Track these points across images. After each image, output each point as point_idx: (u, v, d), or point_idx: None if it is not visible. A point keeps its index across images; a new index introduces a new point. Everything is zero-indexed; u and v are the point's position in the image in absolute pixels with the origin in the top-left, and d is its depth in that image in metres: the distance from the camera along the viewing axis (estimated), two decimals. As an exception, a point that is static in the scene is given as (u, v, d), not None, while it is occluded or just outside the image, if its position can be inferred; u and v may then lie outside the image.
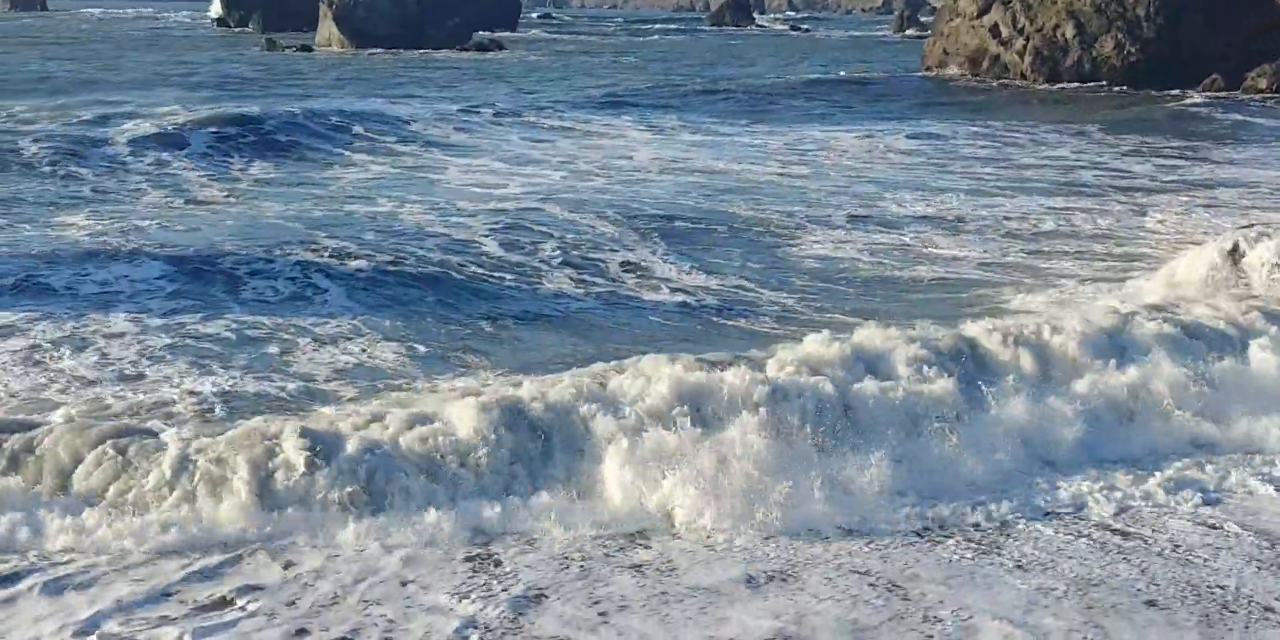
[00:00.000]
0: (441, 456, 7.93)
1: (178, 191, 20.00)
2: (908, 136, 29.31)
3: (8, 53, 50.30)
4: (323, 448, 7.78)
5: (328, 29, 62.48)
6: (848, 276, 14.92)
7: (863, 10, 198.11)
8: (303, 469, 7.61)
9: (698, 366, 9.17)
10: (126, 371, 10.26)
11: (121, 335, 11.31)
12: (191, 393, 9.73)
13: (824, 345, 9.73)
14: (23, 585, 6.68)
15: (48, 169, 21.27)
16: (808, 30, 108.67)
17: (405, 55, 56.89)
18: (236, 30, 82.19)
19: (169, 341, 11.14)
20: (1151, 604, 6.79)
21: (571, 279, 14.34)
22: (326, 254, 14.58)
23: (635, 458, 7.96)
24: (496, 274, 14.36)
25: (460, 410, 8.32)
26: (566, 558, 7.20)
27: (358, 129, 27.18)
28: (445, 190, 20.67)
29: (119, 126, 25.23)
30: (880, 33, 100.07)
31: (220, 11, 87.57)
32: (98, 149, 23.07)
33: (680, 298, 13.66)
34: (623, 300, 13.55)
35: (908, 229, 17.90)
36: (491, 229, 16.58)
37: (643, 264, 15.12)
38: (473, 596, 6.72)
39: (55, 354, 10.67)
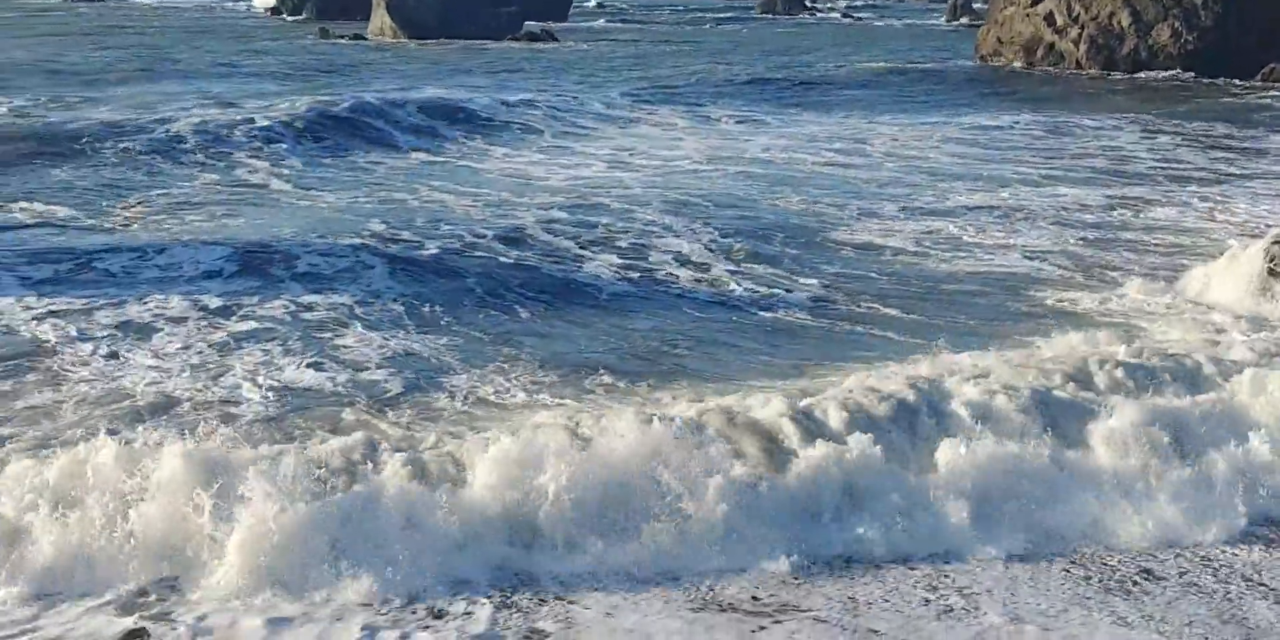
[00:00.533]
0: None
1: (303, 184, 20.11)
2: (961, 126, 29.17)
3: (70, 43, 50.82)
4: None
5: (380, 18, 62.76)
6: (891, 267, 14.90)
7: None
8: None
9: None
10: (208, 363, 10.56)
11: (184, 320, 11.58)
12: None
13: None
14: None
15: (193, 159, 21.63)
16: (860, 18, 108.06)
17: (457, 45, 57.07)
18: (290, 19, 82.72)
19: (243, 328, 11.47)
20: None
21: (619, 269, 14.44)
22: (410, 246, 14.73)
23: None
24: (553, 264, 14.49)
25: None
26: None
27: (433, 121, 27.18)
28: (515, 182, 20.69)
29: (233, 116, 25.56)
30: (933, 21, 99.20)
31: (274, 1, 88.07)
32: (219, 138, 23.45)
33: (720, 288, 13.72)
34: (667, 291, 13.62)
35: (959, 218, 17.86)
36: (567, 222, 16.68)
37: (692, 257, 15.18)
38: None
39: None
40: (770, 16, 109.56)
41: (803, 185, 20.60)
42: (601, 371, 10.32)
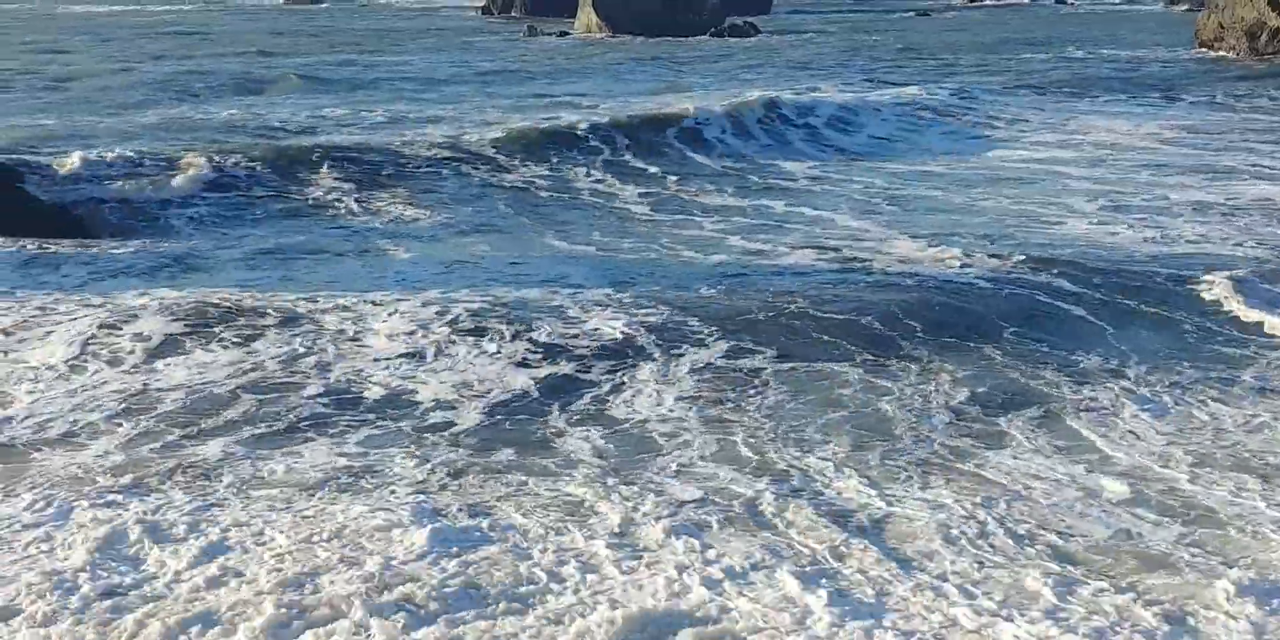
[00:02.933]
0: None
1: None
2: (1182, 115, 28.28)
3: (302, 46, 52.37)
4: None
5: (587, 15, 63.84)
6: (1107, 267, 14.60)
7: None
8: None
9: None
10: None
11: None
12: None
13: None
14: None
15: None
16: (1073, 4, 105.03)
17: (666, 40, 57.39)
18: (500, 17, 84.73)
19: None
20: None
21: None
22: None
23: None
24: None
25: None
26: None
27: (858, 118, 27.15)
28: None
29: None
30: (1149, 7, 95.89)
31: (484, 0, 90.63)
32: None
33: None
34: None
35: (1179, 218, 17.40)
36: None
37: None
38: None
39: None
40: (974, 3, 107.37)
41: (1009, 182, 20.39)
42: None
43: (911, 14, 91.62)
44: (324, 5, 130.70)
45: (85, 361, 10.67)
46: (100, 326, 11.52)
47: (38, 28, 70.83)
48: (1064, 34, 59.86)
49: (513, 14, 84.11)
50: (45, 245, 15.11)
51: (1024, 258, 14.52)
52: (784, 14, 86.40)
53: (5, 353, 10.86)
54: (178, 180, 18.20)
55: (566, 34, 62.04)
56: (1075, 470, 8.46)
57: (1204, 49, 46.08)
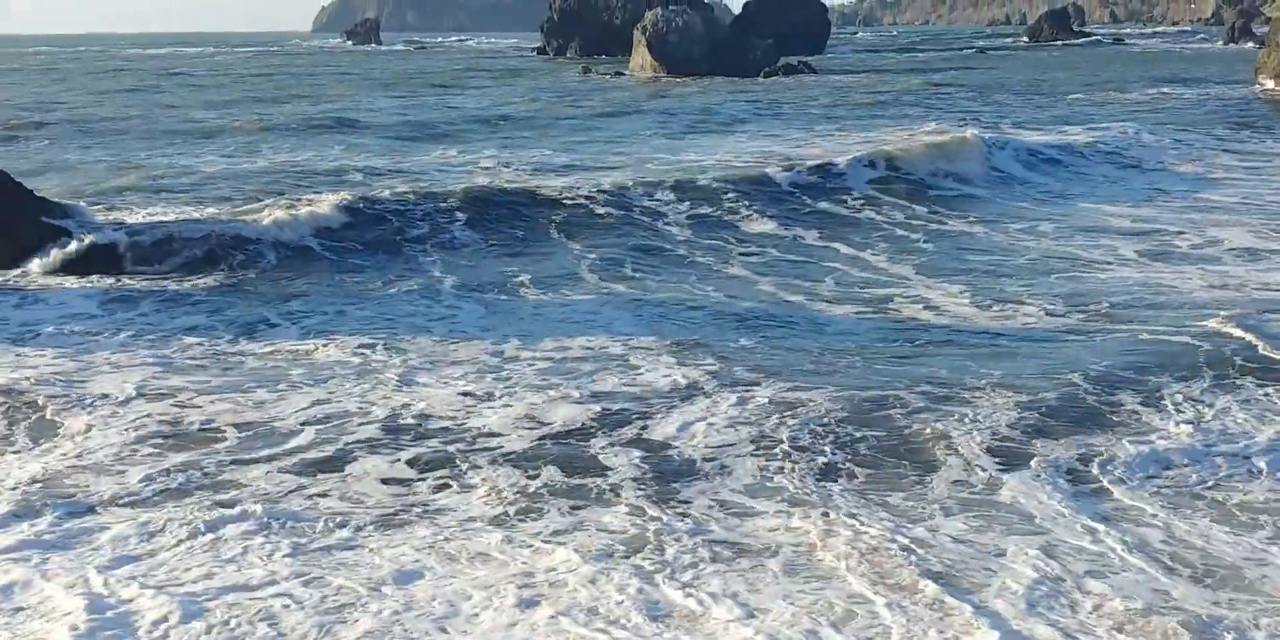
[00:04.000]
0: None
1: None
2: (1235, 156, 27.72)
3: (379, 89, 52.74)
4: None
5: (641, 55, 64.11)
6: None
7: (1190, 21, 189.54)
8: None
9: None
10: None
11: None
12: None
13: None
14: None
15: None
16: (1129, 43, 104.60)
17: (721, 79, 57.41)
18: (554, 58, 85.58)
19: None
20: None
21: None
22: None
23: None
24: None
25: None
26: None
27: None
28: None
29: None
30: (1207, 45, 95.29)
31: (541, 41, 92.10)
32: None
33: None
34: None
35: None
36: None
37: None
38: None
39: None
40: (1035, 42, 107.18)
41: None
42: None
43: (972, 51, 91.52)
44: (381, 48, 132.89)
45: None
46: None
47: (104, 69, 72.22)
48: (1148, 72, 59.26)
49: (568, 55, 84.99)
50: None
51: None
52: (834, 55, 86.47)
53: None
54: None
55: (621, 74, 62.37)
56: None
57: (1262, 84, 45.48)
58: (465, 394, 9.94)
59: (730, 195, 19.62)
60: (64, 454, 8.60)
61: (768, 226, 18.25)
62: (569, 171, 23.04)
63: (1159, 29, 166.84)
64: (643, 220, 18.29)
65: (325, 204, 17.14)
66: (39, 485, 7.98)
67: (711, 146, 27.73)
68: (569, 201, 18.87)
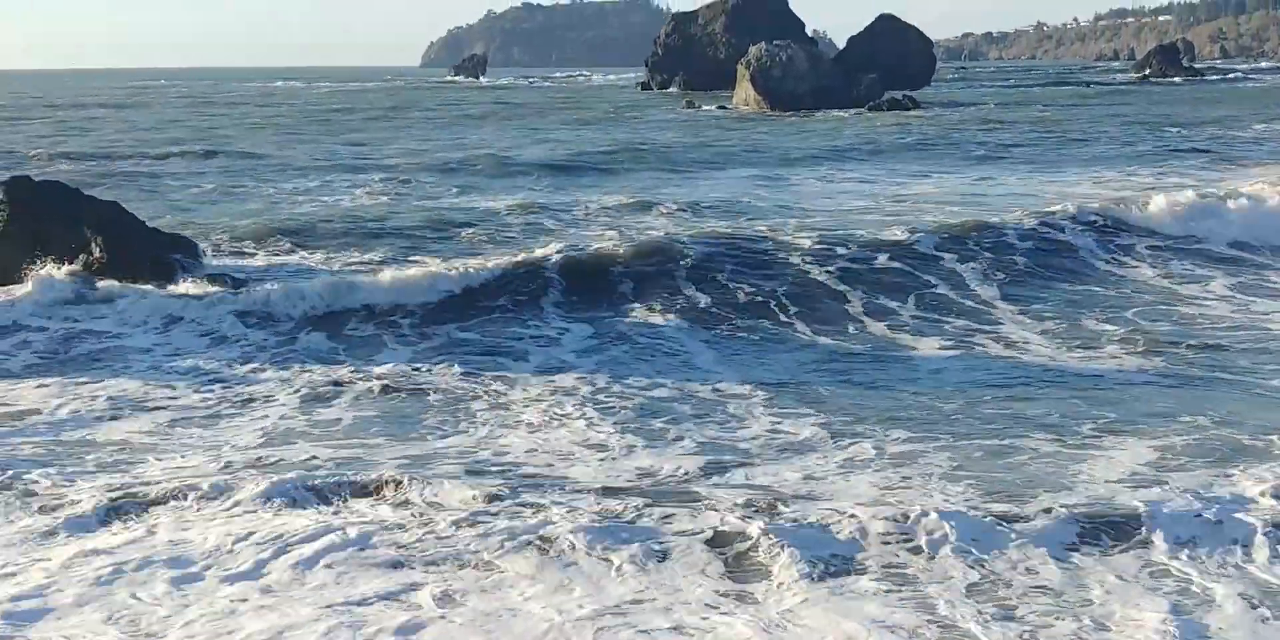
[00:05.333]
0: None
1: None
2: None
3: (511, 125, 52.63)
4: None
5: (744, 90, 64.34)
6: None
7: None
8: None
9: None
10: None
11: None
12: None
13: None
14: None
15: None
16: (1240, 78, 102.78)
17: (829, 114, 57.07)
18: (659, 92, 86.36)
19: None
20: None
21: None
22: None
23: None
24: None
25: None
26: None
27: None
28: None
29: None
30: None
31: (645, 76, 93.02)
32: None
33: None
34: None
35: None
36: None
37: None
38: None
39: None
40: (1143, 77, 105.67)
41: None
42: None
43: (1083, 85, 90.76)
44: (482, 80, 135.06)
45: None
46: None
47: (237, 101, 74.22)
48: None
49: (671, 89, 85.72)
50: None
51: None
52: (936, 89, 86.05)
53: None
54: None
55: (725, 107, 62.68)
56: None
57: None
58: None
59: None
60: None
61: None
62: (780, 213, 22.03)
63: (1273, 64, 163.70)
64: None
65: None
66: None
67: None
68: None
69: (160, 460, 9.21)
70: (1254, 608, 6.72)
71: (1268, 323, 14.17)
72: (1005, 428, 9.99)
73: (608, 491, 8.35)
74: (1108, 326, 13.89)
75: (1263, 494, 8.11)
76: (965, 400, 10.86)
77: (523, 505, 8.01)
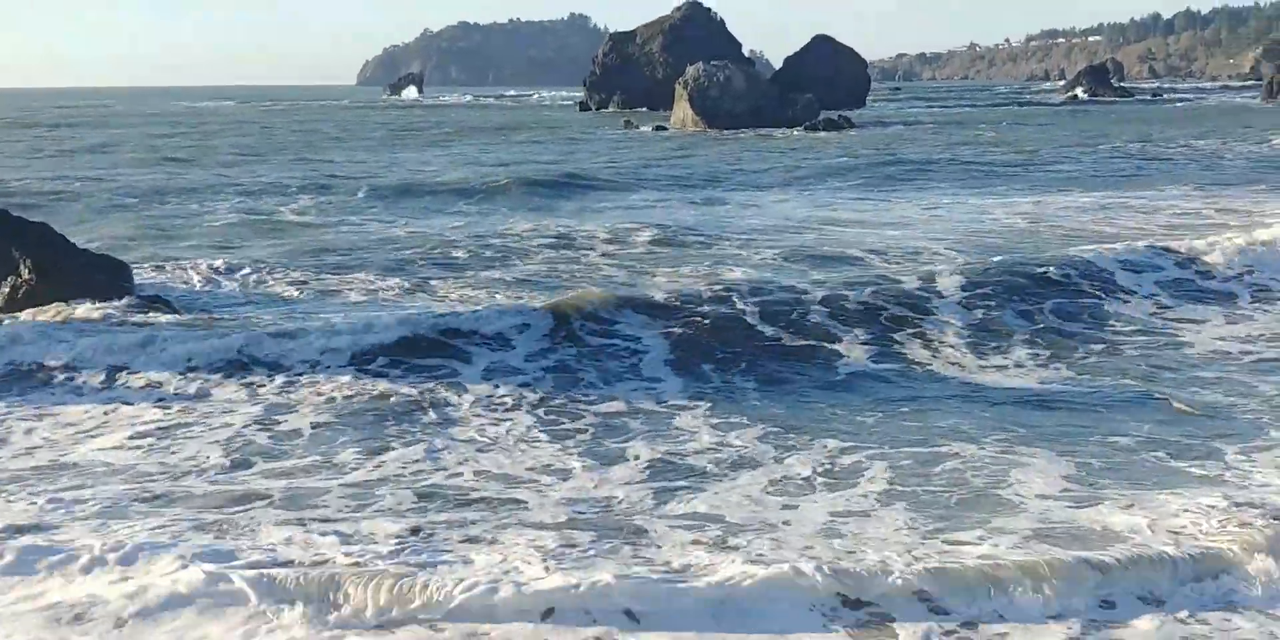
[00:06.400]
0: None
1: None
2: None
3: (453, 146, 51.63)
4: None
5: (682, 110, 64.55)
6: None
7: (1229, 77, 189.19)
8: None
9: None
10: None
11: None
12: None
13: None
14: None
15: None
16: (1168, 98, 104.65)
17: (765, 133, 57.51)
18: (596, 111, 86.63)
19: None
20: None
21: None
22: None
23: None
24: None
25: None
26: None
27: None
28: None
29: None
30: (1244, 98, 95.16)
31: (584, 96, 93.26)
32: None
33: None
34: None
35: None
36: None
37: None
38: None
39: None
40: (1073, 97, 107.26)
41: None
42: None
43: (1014, 106, 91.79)
44: (419, 97, 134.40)
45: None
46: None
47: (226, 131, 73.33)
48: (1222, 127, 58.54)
49: (609, 109, 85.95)
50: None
51: None
52: (873, 110, 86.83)
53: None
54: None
55: (662, 128, 62.84)
56: None
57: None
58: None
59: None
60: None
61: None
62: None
63: (1202, 84, 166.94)
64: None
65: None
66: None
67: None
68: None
69: None
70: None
71: None
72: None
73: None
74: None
75: None
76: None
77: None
